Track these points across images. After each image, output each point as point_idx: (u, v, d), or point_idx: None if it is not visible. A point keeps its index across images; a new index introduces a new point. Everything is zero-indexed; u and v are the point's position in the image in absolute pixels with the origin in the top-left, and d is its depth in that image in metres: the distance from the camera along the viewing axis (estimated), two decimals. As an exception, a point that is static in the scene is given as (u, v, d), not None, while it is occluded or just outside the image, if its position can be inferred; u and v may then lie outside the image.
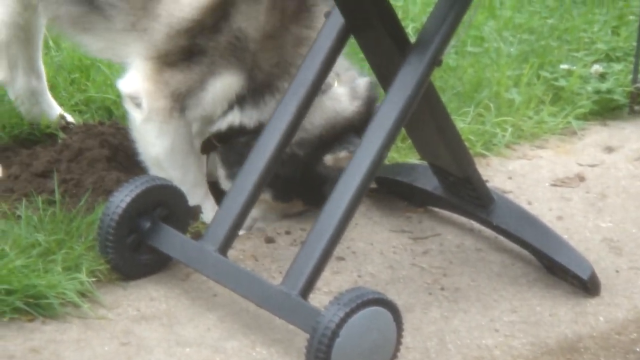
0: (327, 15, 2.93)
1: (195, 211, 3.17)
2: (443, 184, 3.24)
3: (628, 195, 3.57)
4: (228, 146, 3.21)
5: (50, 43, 3.95)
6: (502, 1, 4.62)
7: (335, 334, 2.61)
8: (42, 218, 3.05)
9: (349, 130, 3.19)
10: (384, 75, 2.93)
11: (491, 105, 3.89)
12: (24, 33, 3.47)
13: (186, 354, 2.76)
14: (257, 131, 3.04)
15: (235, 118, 3.17)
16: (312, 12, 3.10)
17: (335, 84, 3.19)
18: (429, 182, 3.28)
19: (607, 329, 3.00)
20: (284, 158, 3.07)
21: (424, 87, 2.83)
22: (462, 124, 3.75)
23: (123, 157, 3.39)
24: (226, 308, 2.92)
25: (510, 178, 3.62)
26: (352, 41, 2.99)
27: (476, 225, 3.31)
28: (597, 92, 4.08)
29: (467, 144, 3.33)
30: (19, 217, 3.07)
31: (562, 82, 4.09)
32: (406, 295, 3.03)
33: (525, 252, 3.21)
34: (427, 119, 3.01)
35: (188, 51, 3.09)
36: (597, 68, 4.20)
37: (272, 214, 3.30)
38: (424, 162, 3.27)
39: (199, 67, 3.10)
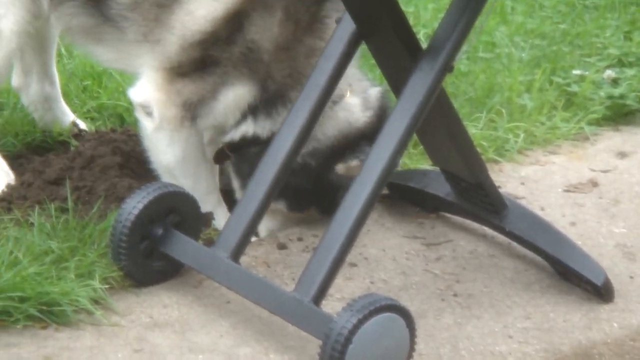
0: (338, 21, 2.94)
1: (208, 218, 3.17)
2: (455, 190, 3.23)
3: (641, 201, 3.57)
4: (241, 157, 3.22)
5: (63, 51, 3.97)
6: (514, 6, 4.61)
7: (348, 340, 2.61)
8: (55, 225, 3.06)
9: (361, 139, 3.20)
10: (396, 81, 2.93)
11: (503, 110, 3.88)
12: (37, 41, 3.49)
13: (199, 361, 2.76)
14: (270, 142, 3.04)
15: (248, 128, 3.17)
16: (325, 24, 3.11)
17: (348, 94, 3.19)
18: (441, 188, 3.28)
19: (622, 335, 2.99)
20: (297, 168, 3.08)
21: (435, 93, 2.83)
22: (474, 129, 3.75)
23: (135, 164, 3.39)
24: (239, 315, 2.92)
25: (522, 184, 3.61)
26: (363, 47, 2.99)
27: (489, 231, 3.31)
28: (610, 97, 4.07)
29: (479, 149, 3.33)
30: (32, 224, 3.08)
31: (574, 88, 4.08)
32: (419, 302, 3.02)
33: (538, 258, 3.21)
34: (438, 124, 3.00)
35: (201, 62, 3.10)
36: (609, 73, 4.19)
37: (287, 223, 3.30)
38: (436, 168, 3.26)
39: (212, 78, 3.11)
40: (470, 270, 3.18)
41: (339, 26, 2.93)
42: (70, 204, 3.16)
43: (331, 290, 2.86)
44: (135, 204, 2.92)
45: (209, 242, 3.07)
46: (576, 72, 4.16)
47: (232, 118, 3.18)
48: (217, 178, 3.37)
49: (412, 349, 2.73)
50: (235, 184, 3.27)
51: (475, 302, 3.05)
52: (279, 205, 3.22)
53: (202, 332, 2.85)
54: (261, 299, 2.79)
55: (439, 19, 2.90)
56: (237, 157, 3.24)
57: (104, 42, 3.21)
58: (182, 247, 2.93)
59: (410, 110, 2.81)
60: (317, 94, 2.93)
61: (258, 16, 3.07)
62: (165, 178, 3.19)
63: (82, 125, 3.66)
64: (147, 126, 3.17)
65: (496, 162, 3.71)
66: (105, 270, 2.94)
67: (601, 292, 3.08)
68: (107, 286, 2.91)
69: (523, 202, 3.40)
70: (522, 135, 3.81)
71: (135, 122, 3.29)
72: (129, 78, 3.63)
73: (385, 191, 3.35)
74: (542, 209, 3.47)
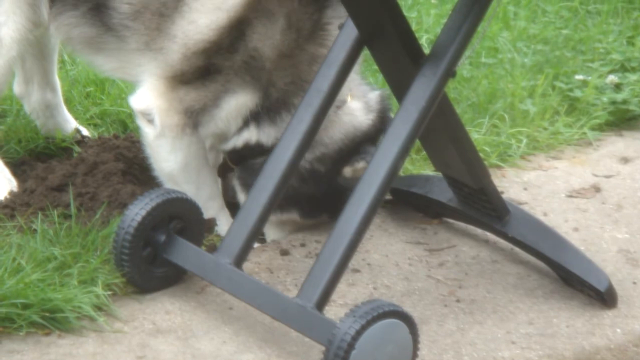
0: (341, 27, 2.94)
1: (210, 224, 3.17)
2: (458, 196, 3.23)
3: (644, 206, 3.56)
4: (246, 169, 3.22)
5: (65, 57, 3.97)
6: (516, 12, 4.61)
7: (351, 346, 2.61)
8: (57, 232, 3.06)
9: (366, 142, 3.21)
10: (398, 86, 2.93)
11: (506, 116, 3.88)
12: (37, 48, 3.49)
13: (202, 367, 2.76)
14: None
15: (251, 135, 3.18)
16: (327, 31, 3.12)
17: (349, 99, 3.20)
18: (444, 194, 3.28)
19: (625, 340, 2.98)
20: (306, 175, 3.09)
21: (438, 98, 2.83)
22: (476, 135, 3.75)
23: (138, 170, 3.40)
24: (242, 321, 2.92)
25: (525, 189, 3.61)
26: (366, 53, 2.99)
27: (492, 237, 3.31)
28: (613, 102, 4.07)
29: (481, 155, 3.33)
30: (35, 231, 3.08)
31: (577, 93, 4.08)
32: (422, 307, 3.02)
33: (541, 264, 3.20)
34: (441, 130, 3.00)
35: (203, 70, 3.10)
36: (612, 78, 4.19)
37: (293, 231, 3.30)
38: (439, 174, 3.26)
39: (214, 85, 3.11)
40: (473, 276, 3.18)
41: (342, 32, 2.93)
42: (73, 210, 3.16)
43: (334, 296, 2.86)
44: (138, 210, 2.92)
45: (212, 249, 3.07)
46: (579, 77, 4.16)
47: (234, 125, 3.18)
48: (220, 184, 3.37)
49: (415, 355, 2.72)
50: (242, 197, 3.27)
51: (478, 307, 3.05)
52: (292, 215, 3.22)
53: (205, 339, 2.85)
54: (264, 305, 2.78)
55: (442, 24, 2.90)
56: (242, 170, 3.24)
57: (105, 52, 3.22)
58: (185, 253, 2.93)
59: (412, 116, 2.81)
60: (319, 100, 2.93)
61: (260, 24, 3.07)
62: (168, 185, 3.20)
63: (85, 131, 3.67)
64: (149, 133, 3.17)
65: (499, 167, 3.71)
66: (108, 277, 2.94)
67: (604, 298, 3.08)
68: (110, 293, 2.91)
69: (526, 208, 3.40)
70: (524, 141, 3.81)
71: (138, 128, 3.30)
72: (132, 85, 3.64)
73: (388, 197, 3.35)
74: (545, 214, 3.47)
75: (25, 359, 2.73)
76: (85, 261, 2.97)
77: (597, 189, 3.64)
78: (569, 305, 3.08)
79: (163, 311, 2.93)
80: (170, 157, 3.17)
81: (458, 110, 3.52)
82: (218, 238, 3.17)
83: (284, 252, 3.19)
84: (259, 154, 3.17)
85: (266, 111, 3.15)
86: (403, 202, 3.44)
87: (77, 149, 3.56)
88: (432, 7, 4.58)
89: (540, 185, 3.64)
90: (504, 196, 3.30)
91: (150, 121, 3.15)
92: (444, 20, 2.87)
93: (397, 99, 2.96)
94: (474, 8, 2.82)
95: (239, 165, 3.25)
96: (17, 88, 3.61)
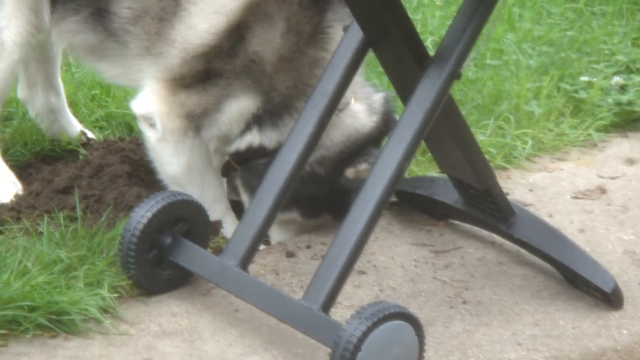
0: (346, 29, 2.94)
1: (216, 226, 3.18)
2: (463, 197, 3.23)
3: (650, 207, 3.56)
4: (249, 170, 3.22)
5: (71, 60, 3.98)
6: (521, 13, 4.61)
7: (357, 348, 2.61)
8: (63, 234, 3.07)
9: (369, 144, 3.20)
10: (403, 88, 2.93)
11: (511, 117, 3.88)
12: (40, 52, 3.50)
13: (208, 369, 2.76)
14: (277, 152, 3.04)
15: (254, 138, 3.18)
16: (328, 34, 3.12)
17: (352, 101, 3.20)
18: (449, 195, 3.28)
19: (631, 342, 2.98)
20: (306, 177, 3.08)
21: (443, 100, 2.83)
22: (482, 136, 3.75)
23: (144, 172, 3.40)
24: (248, 323, 2.92)
25: (531, 191, 3.61)
26: (370, 54, 2.99)
27: (497, 238, 3.30)
28: (618, 103, 4.07)
29: (487, 156, 3.33)
30: (41, 233, 3.09)
31: (582, 94, 4.07)
32: (428, 309, 3.02)
33: (547, 265, 3.20)
34: (446, 132, 3.00)
35: (204, 74, 3.10)
36: (617, 80, 4.18)
37: (298, 232, 3.31)
38: (444, 175, 3.26)
39: (215, 89, 3.12)
40: (478, 277, 3.17)
41: (347, 34, 2.93)
42: (79, 212, 3.17)
43: (340, 298, 2.86)
44: (144, 212, 2.93)
45: (218, 251, 3.08)
46: (584, 78, 4.16)
47: (236, 128, 3.19)
48: (225, 186, 3.37)
49: (421, 356, 2.72)
50: (245, 198, 3.27)
51: (484, 309, 3.04)
52: (293, 215, 3.23)
53: (211, 341, 2.85)
54: (270, 307, 2.79)
55: (447, 26, 2.90)
56: (245, 170, 3.24)
57: (108, 58, 3.22)
58: (191, 255, 2.93)
59: (417, 118, 2.81)
60: (324, 103, 2.93)
61: (259, 28, 3.07)
62: (173, 188, 3.20)
63: (90, 134, 3.67)
64: (151, 137, 3.17)
65: (504, 169, 3.71)
66: (114, 279, 2.94)
67: (610, 299, 3.07)
68: (116, 295, 2.92)
69: (531, 209, 3.40)
70: (530, 142, 3.81)
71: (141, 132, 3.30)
72: (136, 89, 3.64)
73: (393, 198, 3.35)
74: (551, 215, 3.47)
75: (31, 361, 2.74)
76: (91, 264, 2.97)
77: (602, 191, 3.64)
78: (575, 306, 3.08)
79: (169, 313, 2.93)
80: (173, 160, 3.18)
81: (463, 111, 3.52)
82: (224, 240, 3.17)
83: (290, 254, 3.20)
84: (261, 157, 3.18)
85: (268, 115, 3.15)
86: (408, 204, 3.44)
87: (82, 151, 3.56)
88: (437, 9, 4.58)
89: (545, 186, 3.64)
90: (510, 198, 3.30)
91: (152, 125, 3.16)
92: (449, 22, 2.87)
93: (402, 101, 2.96)
94: (478, 10, 2.82)
95: (241, 165, 3.25)
96: (21, 93, 3.61)
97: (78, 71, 3.98)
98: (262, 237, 2.91)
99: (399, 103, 3.09)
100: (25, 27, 3.23)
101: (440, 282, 3.14)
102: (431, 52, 2.88)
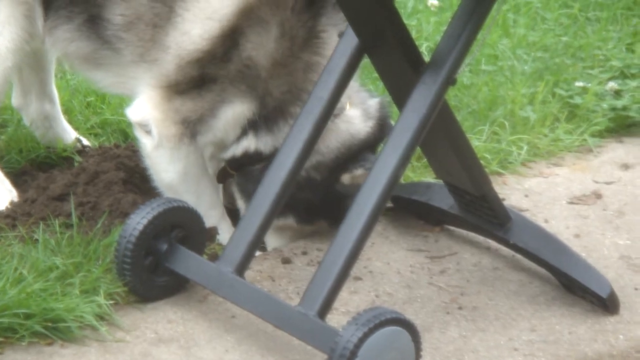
0: (341, 35, 2.94)
1: (212, 232, 3.17)
2: (459, 203, 3.23)
3: (645, 212, 3.56)
4: (245, 175, 3.22)
5: (66, 67, 3.97)
6: (516, 19, 4.62)
7: (353, 354, 2.61)
8: (59, 241, 3.06)
9: (364, 149, 3.21)
10: (399, 94, 2.93)
11: (506, 123, 3.89)
12: (34, 60, 3.49)
13: (204, 376, 2.76)
14: (272, 157, 3.04)
15: (250, 144, 3.18)
16: (322, 39, 3.12)
17: (348, 106, 3.20)
18: (445, 201, 3.28)
19: (627, 347, 2.98)
20: (302, 183, 3.08)
21: (438, 106, 2.83)
22: (477, 142, 3.75)
23: (139, 179, 3.40)
24: (244, 329, 2.92)
25: (526, 196, 3.61)
26: (366, 61, 2.99)
27: (493, 244, 3.31)
28: (613, 109, 4.07)
29: (482, 162, 3.33)
30: (37, 240, 3.08)
31: (577, 100, 4.08)
32: (424, 315, 3.02)
33: (543, 271, 3.20)
34: (442, 137, 3.01)
35: (198, 80, 3.10)
36: (612, 85, 4.19)
37: (295, 239, 3.30)
38: (440, 181, 3.26)
39: (210, 95, 3.12)
40: (474, 283, 3.17)
41: (342, 40, 2.93)
42: (74, 219, 3.16)
43: (336, 304, 2.86)
44: (140, 219, 2.92)
45: (214, 257, 3.07)
46: (579, 84, 4.16)
47: (232, 134, 3.19)
48: (221, 193, 3.37)
49: (417, 362, 2.72)
50: (240, 204, 3.27)
51: (480, 315, 3.04)
52: (288, 221, 3.23)
53: (207, 347, 2.85)
54: (266, 313, 2.78)
55: (442, 32, 2.90)
56: (241, 176, 3.24)
57: (102, 67, 3.22)
58: (187, 262, 2.93)
59: (413, 124, 2.81)
60: (320, 108, 2.93)
61: (253, 33, 3.08)
62: (169, 195, 3.20)
63: (85, 141, 3.67)
64: (147, 145, 3.17)
65: (500, 174, 3.71)
66: (110, 286, 2.94)
67: (606, 304, 3.07)
68: (112, 302, 2.91)
69: (527, 215, 3.40)
70: (525, 148, 3.81)
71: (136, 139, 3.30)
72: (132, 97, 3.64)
73: (389, 204, 3.35)
74: (546, 221, 3.47)
75: (27, 368, 2.74)
76: (87, 271, 2.97)
77: (598, 196, 3.64)
78: (571, 311, 3.08)
79: (165, 320, 2.93)
80: (169, 167, 3.18)
81: (458, 117, 3.52)
82: (220, 247, 3.17)
83: (286, 260, 3.19)
84: (257, 162, 3.18)
85: (263, 120, 3.15)
86: (404, 210, 3.44)
87: (78, 158, 3.56)
88: (432, 15, 4.59)
89: (541, 192, 3.64)
90: (505, 203, 3.30)
91: (148, 132, 3.16)
92: (444, 28, 2.87)
93: (398, 106, 2.97)
94: (473, 16, 2.82)
95: (238, 171, 3.25)
96: (15, 101, 3.61)
97: (73, 78, 3.98)
98: (258, 243, 2.91)
99: (395, 108, 3.09)
100: (18, 33, 3.22)
101: (436, 288, 3.14)
102: (426, 58, 2.88)
